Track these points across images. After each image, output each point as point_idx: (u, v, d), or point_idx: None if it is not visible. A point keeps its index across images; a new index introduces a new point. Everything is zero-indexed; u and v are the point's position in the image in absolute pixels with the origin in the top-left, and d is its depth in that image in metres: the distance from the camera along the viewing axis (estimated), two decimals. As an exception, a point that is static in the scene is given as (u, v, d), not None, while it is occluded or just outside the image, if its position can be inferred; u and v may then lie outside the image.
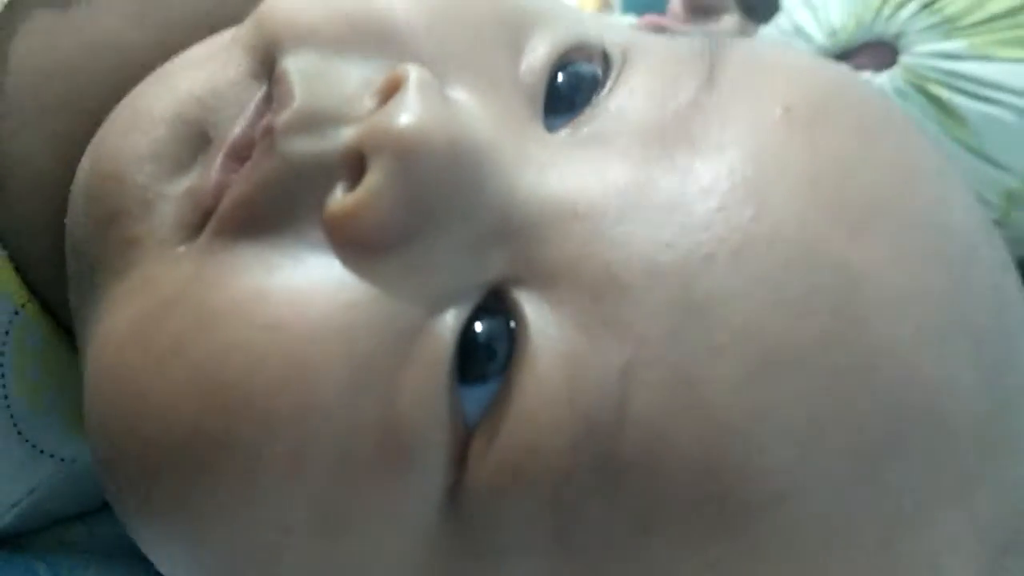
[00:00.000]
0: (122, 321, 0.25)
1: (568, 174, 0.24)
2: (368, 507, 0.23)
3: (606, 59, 0.28)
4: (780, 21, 0.80)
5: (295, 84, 0.25)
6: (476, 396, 0.24)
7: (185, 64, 0.28)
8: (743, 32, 0.83)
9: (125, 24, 0.32)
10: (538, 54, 0.27)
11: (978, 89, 0.69)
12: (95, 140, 0.28)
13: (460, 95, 0.25)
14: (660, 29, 0.77)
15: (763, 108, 0.26)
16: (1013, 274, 0.28)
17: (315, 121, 0.24)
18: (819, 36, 0.76)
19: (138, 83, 0.30)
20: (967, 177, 0.71)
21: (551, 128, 0.26)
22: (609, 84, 0.27)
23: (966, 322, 0.25)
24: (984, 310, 0.26)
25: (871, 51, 0.74)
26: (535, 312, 0.23)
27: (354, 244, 0.23)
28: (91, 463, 0.28)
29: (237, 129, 0.25)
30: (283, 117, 0.24)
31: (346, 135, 0.24)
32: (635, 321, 0.23)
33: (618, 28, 0.30)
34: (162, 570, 0.27)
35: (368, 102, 0.25)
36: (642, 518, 0.23)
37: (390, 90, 0.24)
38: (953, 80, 0.70)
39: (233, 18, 0.32)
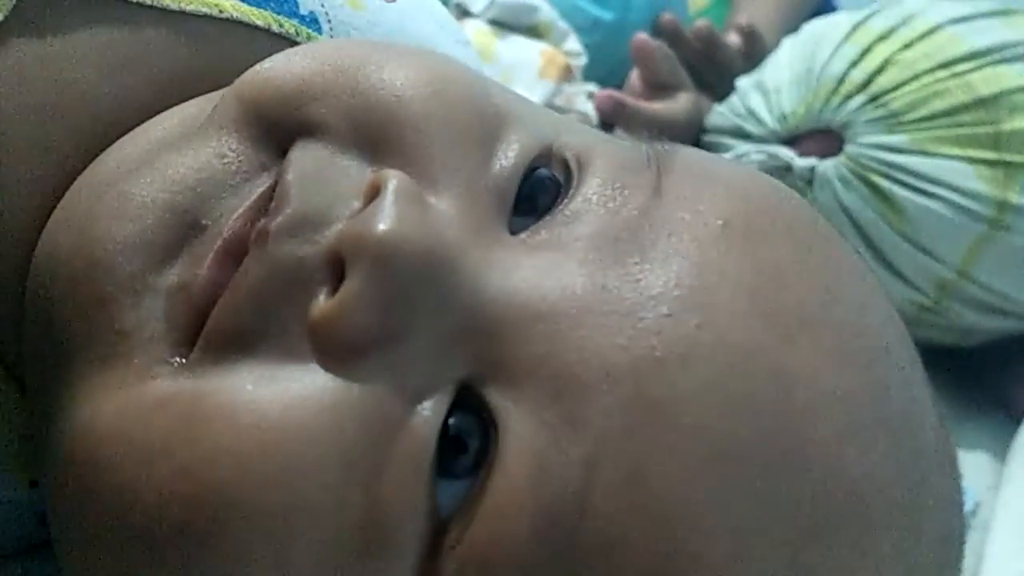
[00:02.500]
0: (108, 413, 0.25)
1: (530, 277, 0.26)
2: None
3: (565, 166, 0.29)
4: (733, 102, 0.83)
5: (291, 187, 0.26)
6: (449, 488, 0.25)
7: (164, 143, 0.29)
8: (698, 109, 0.86)
9: (99, 74, 0.32)
10: (510, 158, 0.28)
11: (916, 182, 0.72)
12: (77, 219, 0.28)
13: (439, 199, 0.27)
14: (618, 105, 0.79)
15: (704, 221, 0.27)
16: (918, 364, 0.31)
17: (305, 224, 0.25)
18: (770, 120, 0.78)
19: (108, 138, 0.31)
20: (904, 264, 0.73)
21: (512, 227, 0.28)
22: (571, 191, 0.28)
23: (883, 417, 0.27)
24: (897, 404, 0.28)
25: (818, 138, 0.76)
26: (503, 409, 0.25)
27: (335, 347, 0.25)
28: (52, 536, 0.28)
29: (234, 223, 0.26)
30: (277, 220, 0.25)
31: (327, 238, 0.25)
32: (593, 419, 0.24)
33: (573, 128, 0.32)
34: None
35: (355, 203, 0.26)
36: None
37: (372, 194, 0.25)
38: (894, 172, 0.72)
39: (203, 77, 0.34)
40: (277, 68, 0.29)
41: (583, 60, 0.89)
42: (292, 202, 0.26)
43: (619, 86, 0.90)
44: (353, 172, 0.27)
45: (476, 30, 0.87)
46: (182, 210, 0.27)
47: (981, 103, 0.72)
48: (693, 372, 0.25)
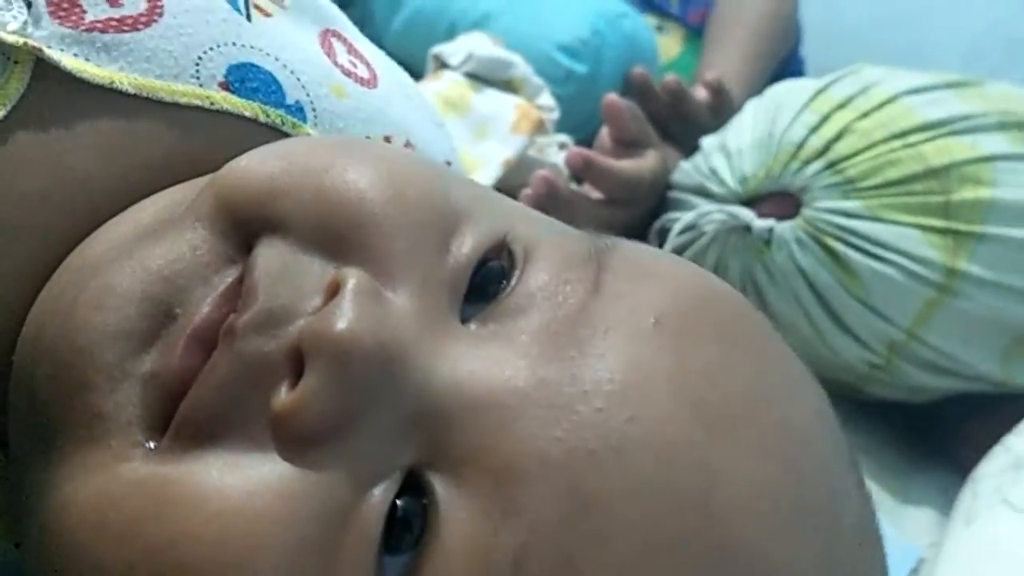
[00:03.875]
0: (84, 494, 0.27)
1: (476, 370, 0.28)
2: None
3: (511, 257, 0.31)
4: (697, 161, 0.86)
5: (259, 284, 0.28)
6: (393, 566, 0.27)
7: (145, 231, 0.31)
8: (664, 166, 0.89)
9: (93, 158, 0.35)
10: (463, 253, 0.31)
11: (869, 247, 0.74)
12: (62, 306, 0.30)
13: (396, 294, 0.29)
14: (587, 161, 0.82)
15: (638, 318, 0.29)
16: (842, 450, 0.33)
17: (271, 320, 0.28)
18: (731, 181, 0.81)
19: (100, 218, 0.33)
20: (856, 324, 0.76)
21: (463, 314, 0.30)
22: (514, 282, 0.31)
23: (803, 508, 0.29)
24: (817, 495, 0.30)
25: (776, 200, 0.78)
26: (444, 494, 0.27)
27: (293, 438, 0.27)
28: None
29: (204, 311, 0.28)
30: (245, 317, 0.27)
31: (290, 334, 0.27)
32: (528, 508, 0.26)
33: (526, 218, 0.34)
34: None
35: (316, 300, 0.28)
36: None
37: (331, 292, 0.28)
38: (848, 236, 0.75)
39: (194, 162, 0.36)
40: (250, 168, 0.31)
41: (556, 114, 0.92)
42: (259, 299, 0.28)
43: (590, 139, 0.93)
44: (316, 269, 0.29)
45: (453, 82, 0.89)
46: (158, 300, 0.29)
47: (932, 173, 0.75)
48: (623, 465, 0.27)
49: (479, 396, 0.27)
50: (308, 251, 0.29)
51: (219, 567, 0.25)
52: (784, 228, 0.77)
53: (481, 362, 0.28)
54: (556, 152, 0.93)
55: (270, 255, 0.29)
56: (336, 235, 0.29)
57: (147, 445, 0.27)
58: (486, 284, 0.31)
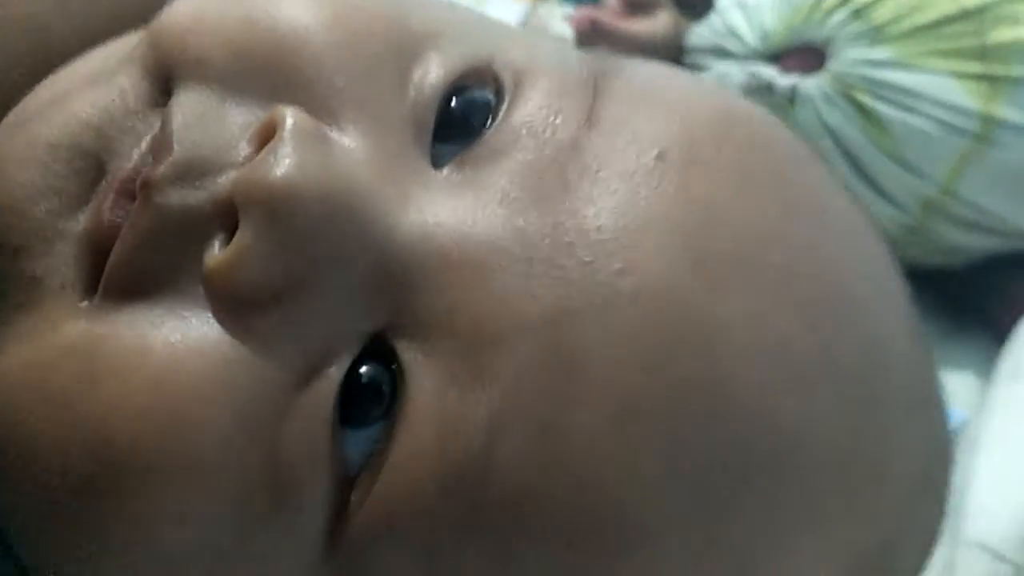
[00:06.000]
0: (18, 361, 0.24)
1: (445, 221, 0.24)
2: (252, 554, 0.24)
3: (500, 87, 0.27)
4: (713, 20, 0.81)
5: (174, 132, 0.24)
6: (358, 440, 0.24)
7: (82, 81, 0.28)
8: (677, 28, 0.84)
9: (48, 5, 0.31)
10: (428, 82, 0.26)
11: (901, 98, 0.70)
12: None
13: (343, 135, 0.25)
14: (596, 25, 0.78)
15: (637, 153, 0.25)
16: (893, 302, 0.29)
17: (192, 171, 0.24)
18: (750, 38, 0.77)
19: (54, 71, 0.30)
20: (889, 184, 0.72)
21: (441, 157, 0.26)
22: (500, 115, 0.26)
23: (827, 366, 0.25)
24: (849, 352, 0.26)
25: (800, 54, 0.75)
26: (411, 361, 0.24)
27: (229, 302, 0.23)
28: None
29: (128, 165, 0.25)
30: (160, 169, 0.24)
31: (220, 185, 0.24)
32: (502, 373, 0.23)
33: (523, 42, 0.29)
34: None
35: (245, 147, 0.24)
36: (510, 562, 0.24)
37: (265, 135, 0.24)
38: (878, 88, 0.71)
39: (156, 10, 0.32)
40: (183, 4, 0.27)
41: (558, -21, 0.87)
42: (175, 149, 0.24)
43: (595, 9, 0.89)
44: (242, 113, 0.25)
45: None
46: (86, 151, 0.25)
47: (966, 15, 0.71)
48: (609, 324, 0.23)
49: (449, 251, 0.24)
50: (235, 93, 0.25)
51: (152, 439, 0.23)
52: (808, 84, 0.73)
53: (451, 211, 0.24)
54: (560, 23, 0.88)
55: (188, 100, 0.25)
56: (266, 71, 0.25)
57: (82, 307, 0.24)
58: (468, 118, 0.26)
